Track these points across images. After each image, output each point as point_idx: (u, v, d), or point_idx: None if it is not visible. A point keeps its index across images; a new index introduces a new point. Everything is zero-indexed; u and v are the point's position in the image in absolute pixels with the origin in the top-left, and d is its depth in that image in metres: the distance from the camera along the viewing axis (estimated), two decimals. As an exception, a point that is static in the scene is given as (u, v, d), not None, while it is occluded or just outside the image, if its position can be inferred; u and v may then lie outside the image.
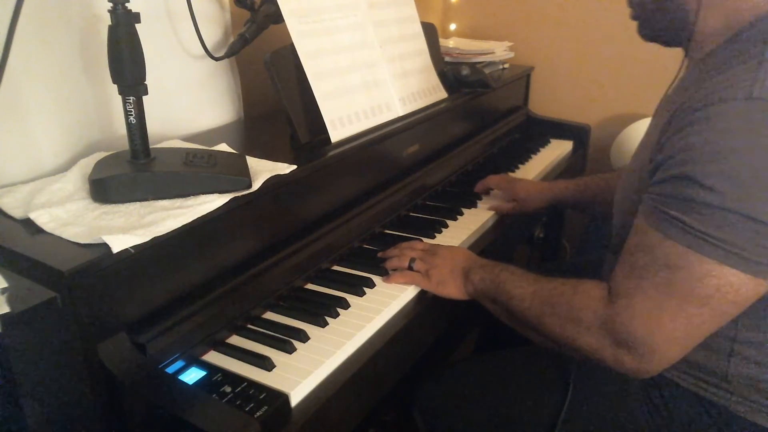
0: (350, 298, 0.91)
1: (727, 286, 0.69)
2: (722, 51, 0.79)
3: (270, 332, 0.83)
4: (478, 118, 1.58)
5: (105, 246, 0.67)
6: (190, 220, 0.75)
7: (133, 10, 0.75)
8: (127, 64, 0.75)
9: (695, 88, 0.75)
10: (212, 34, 1.15)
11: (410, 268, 0.98)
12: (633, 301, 0.74)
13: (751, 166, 0.66)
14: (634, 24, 0.90)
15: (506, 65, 1.82)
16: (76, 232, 0.70)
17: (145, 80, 0.77)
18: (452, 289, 0.95)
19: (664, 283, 0.71)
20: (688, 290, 0.70)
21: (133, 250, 0.68)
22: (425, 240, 1.10)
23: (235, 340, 0.82)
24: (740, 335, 0.78)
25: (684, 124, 0.71)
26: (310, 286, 0.96)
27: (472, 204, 1.28)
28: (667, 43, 0.90)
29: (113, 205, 0.77)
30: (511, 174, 1.48)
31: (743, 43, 0.76)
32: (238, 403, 0.69)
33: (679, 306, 0.71)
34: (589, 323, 0.77)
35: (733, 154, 0.66)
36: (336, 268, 1.02)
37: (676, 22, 0.84)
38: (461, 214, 1.24)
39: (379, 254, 1.04)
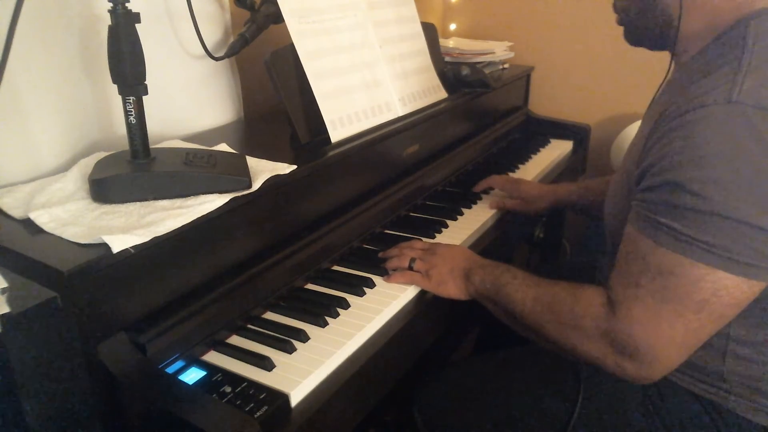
0: (350, 298, 0.91)
1: (722, 289, 0.69)
2: (705, 54, 0.79)
3: (270, 332, 0.83)
4: (478, 118, 1.58)
5: (105, 246, 0.67)
6: (190, 220, 0.75)
7: (133, 10, 0.75)
8: (127, 65, 0.75)
9: (679, 92, 0.75)
10: (212, 34, 1.15)
11: (410, 268, 0.98)
12: (631, 309, 0.74)
13: (734, 169, 0.66)
14: None
15: (506, 65, 1.82)
16: (76, 232, 0.70)
17: (145, 80, 0.77)
18: (453, 290, 0.95)
19: (660, 289, 0.71)
20: (684, 296, 0.70)
21: (133, 250, 0.68)
22: (425, 240, 1.10)
23: (235, 340, 0.82)
24: (734, 333, 0.78)
25: (668, 129, 0.72)
26: (310, 286, 0.96)
27: (472, 204, 1.28)
28: (653, 47, 0.90)
29: (113, 205, 0.77)
30: (511, 174, 1.47)
31: (724, 45, 0.76)
32: (238, 403, 0.69)
33: (676, 312, 0.71)
34: (591, 332, 0.78)
35: (716, 158, 0.67)
36: (336, 268, 1.02)
37: (660, 26, 0.84)
38: (461, 214, 1.24)
39: (380, 254, 1.04)
